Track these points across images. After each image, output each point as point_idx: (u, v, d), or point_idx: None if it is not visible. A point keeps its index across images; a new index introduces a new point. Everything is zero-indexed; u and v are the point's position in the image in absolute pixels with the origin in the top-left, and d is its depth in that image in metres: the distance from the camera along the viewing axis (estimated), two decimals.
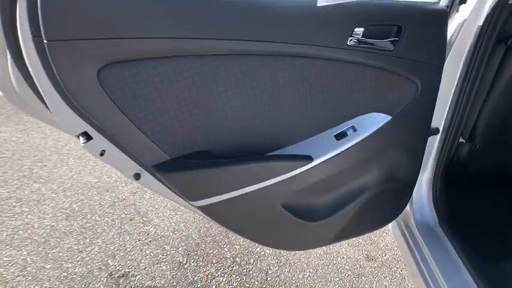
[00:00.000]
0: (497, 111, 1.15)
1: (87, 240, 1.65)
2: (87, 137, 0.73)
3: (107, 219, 1.80)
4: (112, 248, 1.62)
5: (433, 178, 1.21)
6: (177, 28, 0.65)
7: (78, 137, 0.73)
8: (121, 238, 1.68)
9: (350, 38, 0.76)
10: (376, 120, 0.89)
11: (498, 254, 1.14)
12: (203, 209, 0.86)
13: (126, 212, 1.86)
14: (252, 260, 1.59)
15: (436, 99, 0.92)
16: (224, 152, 0.82)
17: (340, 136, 0.89)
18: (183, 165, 0.78)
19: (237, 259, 1.59)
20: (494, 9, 0.89)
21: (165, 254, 1.60)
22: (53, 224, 1.73)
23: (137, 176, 0.81)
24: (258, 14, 0.70)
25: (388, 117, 0.89)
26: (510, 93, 1.10)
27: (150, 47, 0.65)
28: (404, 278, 1.50)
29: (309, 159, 0.86)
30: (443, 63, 0.87)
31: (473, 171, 1.35)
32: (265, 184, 0.85)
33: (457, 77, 0.99)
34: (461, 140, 1.24)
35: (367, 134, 0.89)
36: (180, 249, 1.64)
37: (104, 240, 1.66)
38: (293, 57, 0.76)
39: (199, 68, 0.71)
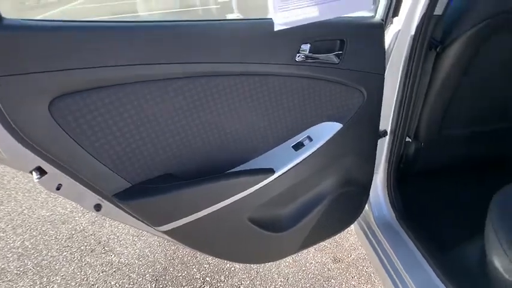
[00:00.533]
0: (435, 110, 1.26)
1: (45, 280, 1.53)
2: (41, 172, 0.69)
3: (65, 253, 1.69)
4: (73, 283, 1.52)
5: (387, 177, 1.29)
6: (126, 55, 0.65)
7: (31, 172, 0.69)
8: (82, 272, 1.58)
9: (298, 55, 0.81)
10: (329, 129, 0.94)
11: (451, 240, 1.24)
12: (169, 233, 0.85)
13: (85, 243, 1.76)
14: (222, 278, 1.57)
15: (381, 105, 1.00)
16: (186, 173, 0.82)
17: (298, 146, 0.93)
18: (145, 191, 0.77)
19: (207, 278, 1.57)
20: (423, 20, 0.98)
21: (131, 283, 1.54)
22: (3, 266, 1.59)
23: (98, 207, 0.79)
24: (208, 36, 0.72)
25: (339, 125, 0.94)
26: (444, 93, 1.22)
27: (100, 76, 0.64)
28: (371, 275, 1.57)
29: (271, 171, 0.88)
30: (384, 71, 0.95)
31: (420, 166, 1.45)
32: (230, 201, 0.86)
33: (398, 83, 1.08)
34: (407, 139, 1.34)
35: (322, 143, 0.93)
36: (147, 275, 1.58)
37: (64, 277, 1.55)
38: (247, 76, 0.79)
39: (153, 92, 0.71)
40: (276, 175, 0.89)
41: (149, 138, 0.75)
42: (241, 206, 0.89)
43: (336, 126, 0.94)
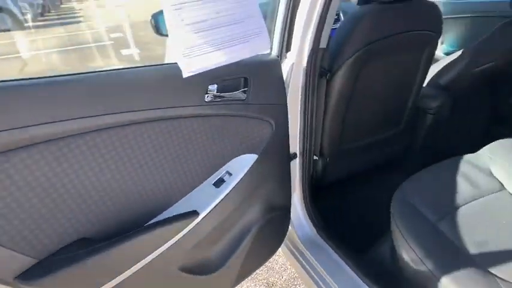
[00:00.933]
0: (333, 129, 1.41)
1: None
2: None
3: None
4: None
5: (303, 195, 1.38)
6: (22, 115, 0.58)
7: None
8: None
9: (207, 95, 0.83)
10: (247, 161, 0.97)
11: (367, 241, 1.37)
12: None
13: None
14: None
15: (288, 131, 1.08)
16: (104, 233, 0.74)
17: (219, 183, 0.93)
18: (57, 263, 0.67)
19: None
20: (311, 53, 1.11)
21: None
22: None
23: None
24: (115, 85, 0.69)
25: (255, 156, 0.98)
26: (338, 113, 1.37)
27: None
28: None
29: (195, 214, 0.86)
30: (286, 101, 1.03)
31: (330, 179, 1.60)
32: (157, 253, 0.81)
33: (299, 110, 1.18)
34: (315, 157, 1.46)
35: (241, 175, 0.96)
36: None
37: None
38: (159, 121, 0.77)
39: (54, 153, 0.64)
40: (200, 217, 0.88)
41: (55, 203, 0.66)
42: (169, 256, 0.84)
43: (252, 158, 0.98)
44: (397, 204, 1.14)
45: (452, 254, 0.95)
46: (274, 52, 1.03)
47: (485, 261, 0.92)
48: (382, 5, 1.22)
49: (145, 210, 0.81)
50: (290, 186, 1.20)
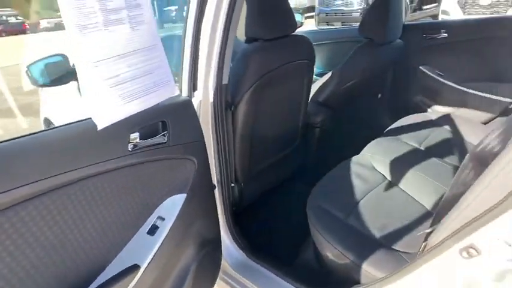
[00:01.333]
0: (243, 156, 1.51)
1: None
2: None
3: None
4: None
5: (227, 223, 1.42)
6: None
7: None
8: None
9: (129, 145, 0.82)
10: (176, 202, 0.98)
11: (294, 251, 1.49)
12: None
13: None
14: None
15: (208, 165, 1.12)
16: None
17: (153, 231, 0.91)
18: None
19: None
20: (215, 89, 1.19)
21: None
22: None
23: None
24: (31, 151, 0.63)
25: (183, 195, 1.00)
26: (245, 141, 1.48)
27: None
28: None
29: (137, 267, 0.83)
30: (203, 137, 1.08)
31: (247, 202, 1.68)
32: None
33: (212, 143, 1.24)
34: (232, 185, 1.53)
35: (174, 218, 0.96)
36: None
37: None
38: (81, 181, 0.73)
39: None
40: (141, 270, 0.85)
41: None
42: None
43: (181, 198, 0.99)
44: (311, 211, 1.29)
45: (364, 242, 1.14)
46: (185, 93, 1.07)
47: (389, 241, 1.12)
48: (267, 42, 1.40)
49: (84, 273, 0.74)
50: (217, 217, 1.24)
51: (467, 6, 5.86)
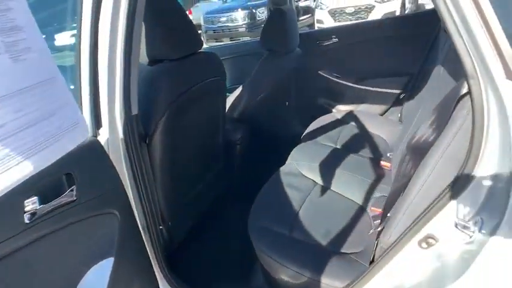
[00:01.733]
0: (166, 190, 1.33)
1: None
2: None
3: None
4: None
5: (162, 272, 1.23)
6: None
7: None
8: None
9: (25, 215, 0.61)
10: (104, 269, 0.79)
11: (241, 279, 1.41)
12: None
13: None
14: None
15: (133, 214, 0.95)
16: None
17: None
18: None
19: None
20: (125, 122, 1.01)
21: None
22: None
23: None
24: None
25: (111, 259, 0.80)
26: (167, 174, 1.31)
27: None
28: None
29: None
30: (121, 182, 0.90)
31: (179, 240, 1.50)
32: None
33: (129, 186, 1.05)
34: (160, 227, 1.34)
35: (106, 284, 0.76)
36: None
37: None
38: None
39: None
40: None
41: None
42: None
43: (109, 262, 0.80)
44: (254, 232, 1.21)
45: (315, 255, 1.10)
46: (90, 134, 0.88)
47: (336, 247, 1.11)
48: (174, 62, 1.27)
49: None
50: (154, 272, 1.05)
51: (337, 15, 6.64)
